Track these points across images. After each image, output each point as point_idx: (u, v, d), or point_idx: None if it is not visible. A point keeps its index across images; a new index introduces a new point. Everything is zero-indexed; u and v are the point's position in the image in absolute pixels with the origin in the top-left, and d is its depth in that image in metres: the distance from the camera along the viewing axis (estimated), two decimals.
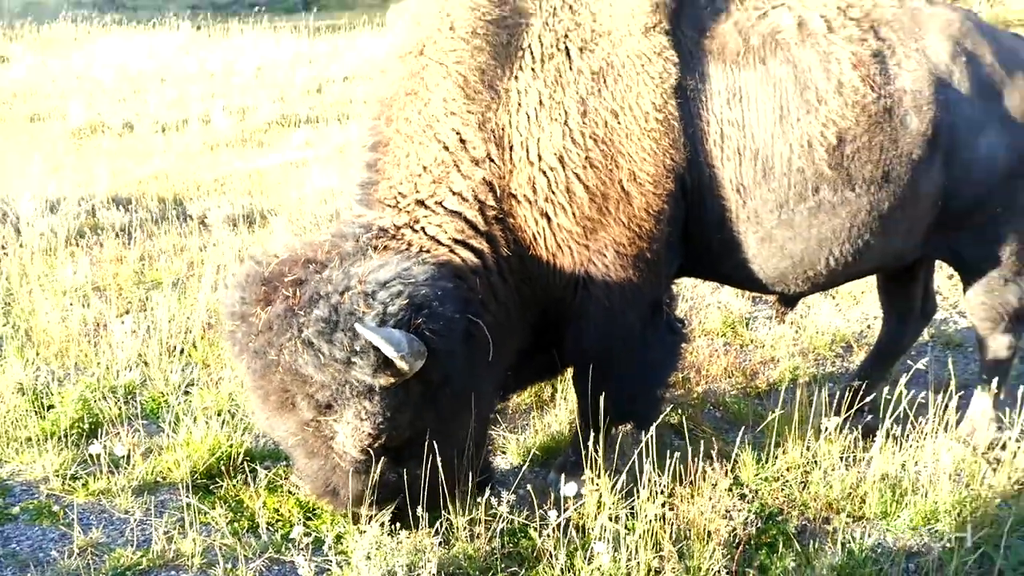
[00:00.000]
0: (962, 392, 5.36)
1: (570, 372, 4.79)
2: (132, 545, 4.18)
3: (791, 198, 4.44)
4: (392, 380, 3.54)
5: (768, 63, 4.42)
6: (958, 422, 5.21)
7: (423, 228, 4.09)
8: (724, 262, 4.67)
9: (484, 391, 4.18)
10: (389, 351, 3.38)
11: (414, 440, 3.85)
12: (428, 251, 4.03)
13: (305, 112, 15.12)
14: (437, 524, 4.11)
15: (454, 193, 4.12)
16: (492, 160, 4.15)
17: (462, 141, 4.14)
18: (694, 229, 4.51)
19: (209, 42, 22.21)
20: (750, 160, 4.39)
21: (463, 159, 4.13)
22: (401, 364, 3.45)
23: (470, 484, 4.17)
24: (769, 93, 4.39)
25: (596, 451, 4.25)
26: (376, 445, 3.70)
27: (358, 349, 3.46)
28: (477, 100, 4.16)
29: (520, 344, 4.50)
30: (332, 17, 28.87)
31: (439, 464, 3.83)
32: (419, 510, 4.00)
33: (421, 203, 4.12)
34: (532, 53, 4.22)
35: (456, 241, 4.09)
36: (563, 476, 4.66)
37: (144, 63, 19.00)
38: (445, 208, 4.11)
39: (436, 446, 3.81)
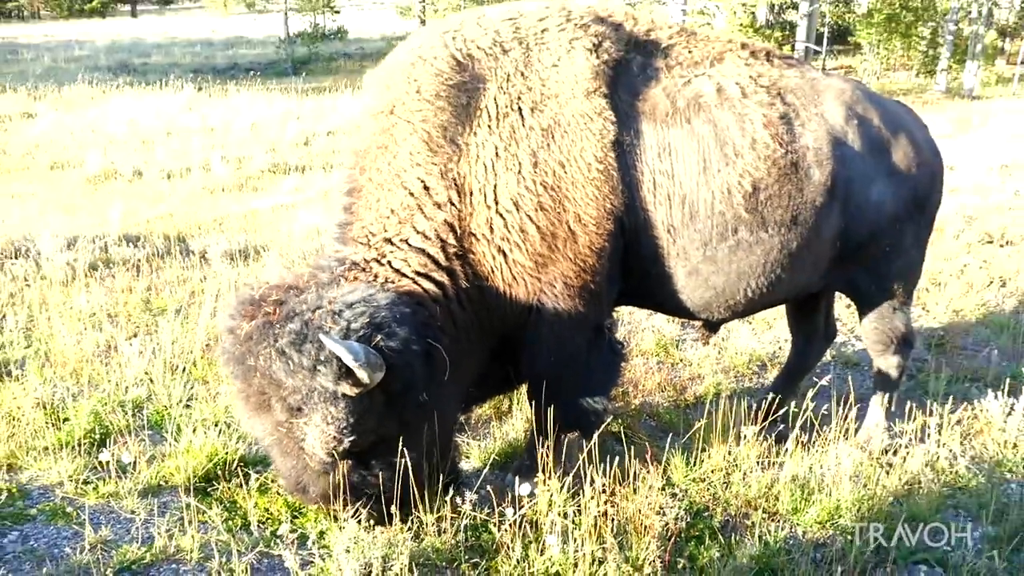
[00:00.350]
0: (859, 405, 5.44)
1: (525, 387, 4.78)
2: (137, 542, 4.08)
3: (714, 237, 4.50)
4: (356, 389, 3.54)
5: (693, 122, 4.48)
6: (856, 431, 5.29)
7: (389, 262, 4.10)
8: (658, 292, 4.70)
9: (446, 404, 4.15)
10: (348, 359, 3.41)
11: (379, 446, 3.84)
12: (392, 282, 4.04)
13: (294, 162, 15.04)
14: (409, 520, 4.07)
15: (418, 232, 4.13)
16: (453, 204, 4.17)
17: (426, 188, 4.16)
18: (632, 263, 4.53)
19: (210, 101, 22.05)
20: (678, 205, 4.44)
21: (427, 203, 4.15)
22: (360, 373, 3.46)
23: (439, 484, 4.13)
24: (694, 148, 4.45)
25: (547, 456, 4.24)
26: (340, 449, 3.67)
27: (323, 359, 3.49)
28: (439, 153, 4.18)
29: (480, 364, 4.48)
30: (318, 80, 28.91)
31: (405, 467, 3.83)
32: (387, 508, 3.96)
33: (388, 240, 4.13)
34: (489, 112, 4.24)
35: (419, 274, 4.10)
36: (519, 478, 4.60)
37: (152, 119, 18.80)
38: (410, 245, 4.12)
39: (400, 452, 3.80)
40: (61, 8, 63.67)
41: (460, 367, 4.10)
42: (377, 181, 4.21)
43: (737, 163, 4.46)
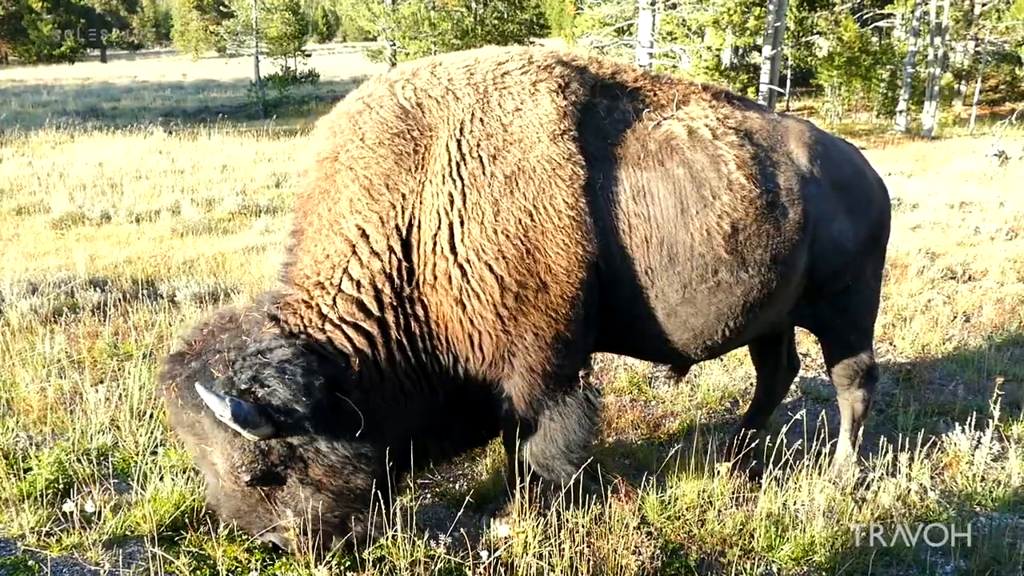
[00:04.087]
0: (831, 440, 5.46)
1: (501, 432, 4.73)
2: None
3: (694, 279, 4.44)
4: (247, 434, 3.66)
5: (666, 164, 4.44)
6: (828, 466, 5.30)
7: (317, 305, 4.07)
8: (635, 335, 4.65)
9: (365, 456, 4.01)
10: (217, 411, 3.53)
11: (286, 487, 3.94)
12: (315, 325, 4.03)
13: (265, 203, 14.96)
14: (381, 565, 4.01)
15: (352, 279, 4.08)
16: (394, 253, 4.10)
17: (364, 235, 4.10)
18: (609, 307, 4.44)
19: (180, 144, 21.95)
20: (656, 247, 4.38)
21: (363, 251, 4.09)
22: (231, 425, 3.56)
23: (357, 532, 4.15)
24: (670, 190, 4.40)
25: (523, 498, 4.20)
26: (242, 482, 3.84)
27: (205, 405, 3.62)
28: (380, 201, 4.12)
29: (426, 417, 4.38)
30: (289, 123, 28.94)
31: (315, 511, 3.93)
32: (292, 544, 4.01)
33: (319, 284, 4.11)
34: (440, 161, 4.16)
35: (344, 321, 4.05)
36: (494, 520, 4.58)
37: (121, 162, 18.67)
38: (341, 291, 4.08)
39: (304, 498, 3.93)
40: (29, 53, 63.54)
41: (386, 421, 4.06)
42: (317, 226, 4.19)
43: (715, 204, 4.42)
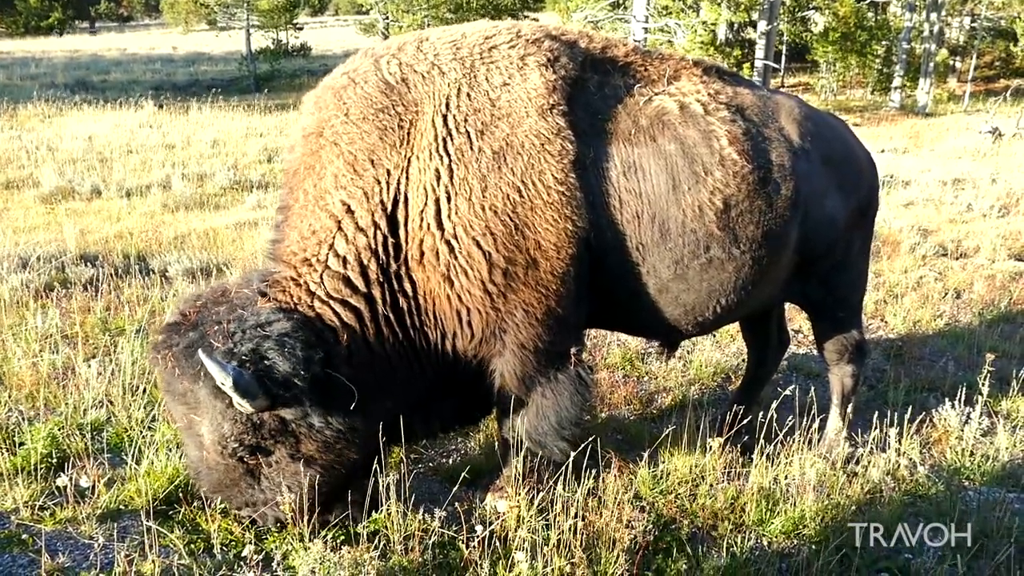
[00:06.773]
0: (821, 416, 5.51)
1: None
2: (96, 568, 3.96)
3: (686, 255, 4.43)
4: (243, 408, 3.67)
5: (658, 140, 4.41)
6: (818, 441, 5.34)
7: (305, 283, 4.05)
8: (627, 311, 4.64)
9: (354, 432, 4.04)
10: (219, 379, 3.52)
11: (274, 461, 3.96)
12: (304, 302, 4.02)
13: (256, 178, 14.90)
14: (376, 539, 4.04)
15: (338, 256, 4.05)
16: (379, 228, 4.06)
17: (349, 211, 4.07)
18: (599, 283, 4.42)
19: (170, 118, 21.79)
20: (648, 223, 4.35)
21: (349, 226, 4.06)
22: (231, 395, 3.58)
23: (341, 508, 4.21)
24: (662, 165, 4.37)
25: (516, 473, 4.22)
26: (227, 453, 3.85)
27: (204, 373, 3.65)
28: (364, 176, 4.08)
29: (416, 394, 4.36)
30: (281, 97, 28.75)
31: (301, 487, 3.96)
32: (272, 519, 4.08)
33: (306, 261, 4.08)
34: (427, 137, 4.11)
35: (331, 297, 4.03)
36: (488, 495, 4.61)
37: (111, 136, 18.56)
38: (328, 267, 4.05)
39: (290, 475, 3.95)
40: (17, 25, 62.77)
41: (375, 398, 4.05)
42: (303, 202, 4.16)
43: (707, 180, 4.40)
